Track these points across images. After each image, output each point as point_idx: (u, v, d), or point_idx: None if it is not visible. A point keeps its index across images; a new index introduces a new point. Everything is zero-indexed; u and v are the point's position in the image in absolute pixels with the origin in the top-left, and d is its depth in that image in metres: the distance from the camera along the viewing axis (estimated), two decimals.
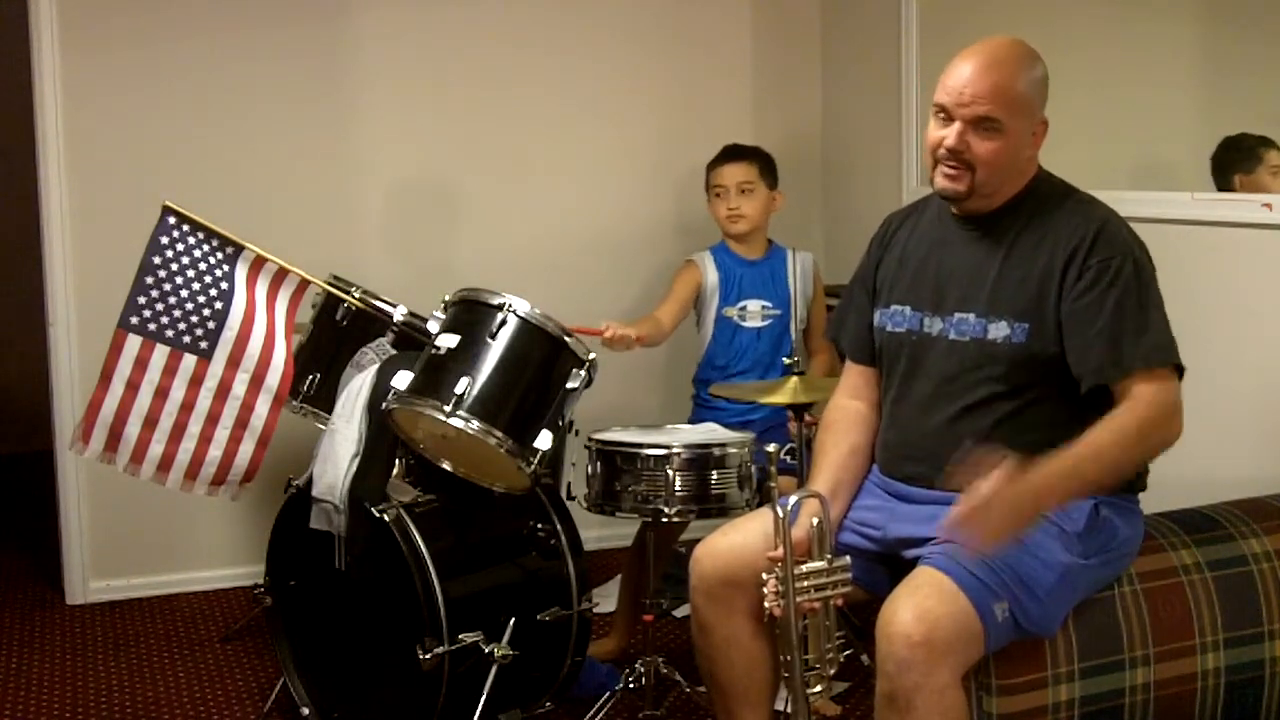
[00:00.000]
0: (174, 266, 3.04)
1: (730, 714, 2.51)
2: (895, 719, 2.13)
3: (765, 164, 3.67)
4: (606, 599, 3.69)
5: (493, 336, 2.81)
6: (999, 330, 2.32)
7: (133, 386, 3.04)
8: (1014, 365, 2.31)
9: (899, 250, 2.52)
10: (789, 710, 2.32)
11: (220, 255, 3.09)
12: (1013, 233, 2.36)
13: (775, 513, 2.26)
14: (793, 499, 2.29)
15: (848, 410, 2.56)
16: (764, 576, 2.26)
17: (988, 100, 2.28)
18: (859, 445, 2.51)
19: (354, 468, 2.91)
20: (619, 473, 2.92)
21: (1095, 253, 2.26)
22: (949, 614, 2.10)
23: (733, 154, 3.69)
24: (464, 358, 2.79)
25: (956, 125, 2.31)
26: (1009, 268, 2.34)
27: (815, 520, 2.29)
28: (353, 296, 3.25)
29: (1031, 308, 2.30)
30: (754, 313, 3.65)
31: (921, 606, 2.10)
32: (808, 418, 3.16)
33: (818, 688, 2.28)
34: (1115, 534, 2.30)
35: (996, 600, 2.14)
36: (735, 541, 2.44)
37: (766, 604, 2.26)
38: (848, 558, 2.31)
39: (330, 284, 3.27)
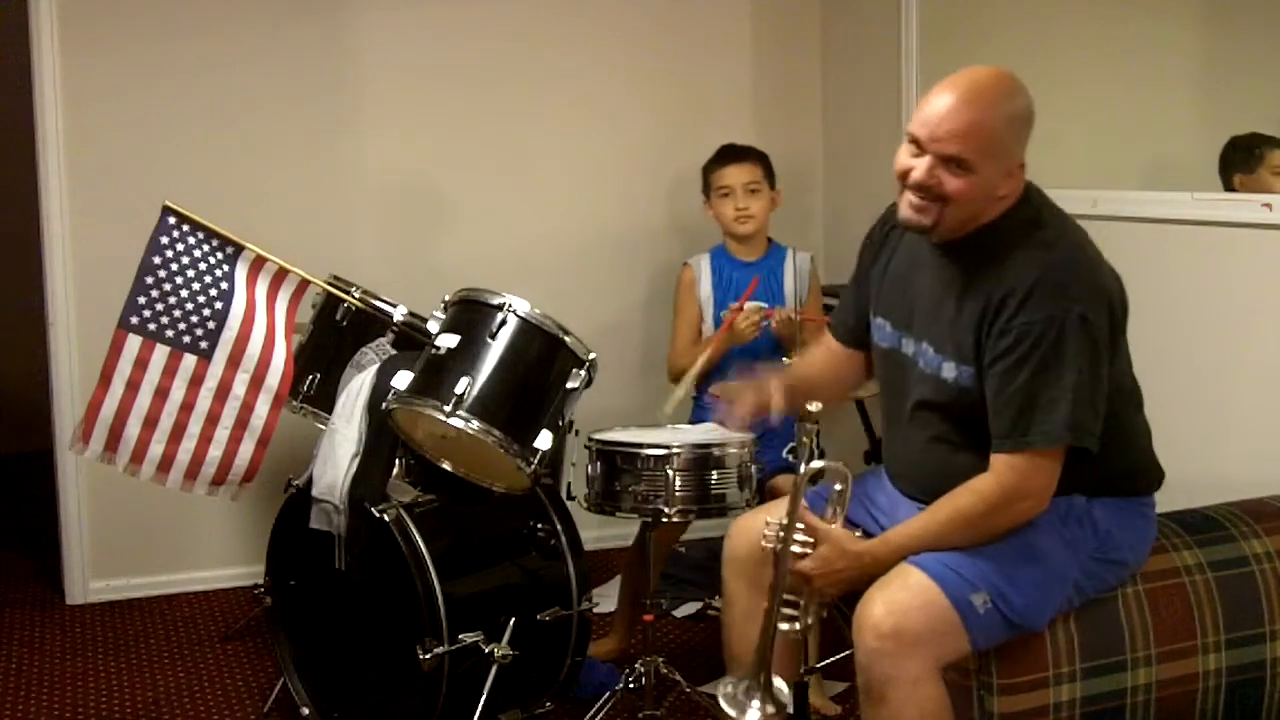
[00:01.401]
0: (174, 266, 3.04)
1: None
2: (872, 711, 2.16)
3: (766, 163, 3.67)
4: (606, 599, 3.69)
5: (493, 336, 2.80)
6: (949, 370, 2.28)
7: (133, 387, 3.04)
8: (964, 406, 2.26)
9: (888, 257, 2.48)
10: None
11: (220, 255, 3.09)
12: (973, 266, 2.26)
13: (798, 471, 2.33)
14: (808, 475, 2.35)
15: (821, 353, 2.67)
16: (768, 522, 2.32)
17: (960, 139, 2.17)
18: (822, 377, 2.60)
19: (354, 468, 2.91)
20: (619, 473, 2.92)
21: (1022, 312, 2.15)
22: (920, 605, 2.13)
23: (735, 154, 3.67)
24: (464, 358, 2.79)
25: (927, 159, 2.20)
26: (961, 305, 2.27)
27: (837, 486, 2.34)
28: (353, 296, 3.25)
29: (973, 353, 2.24)
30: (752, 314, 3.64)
31: (892, 599, 2.15)
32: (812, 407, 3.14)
33: (784, 625, 2.25)
34: (1110, 537, 2.29)
35: (974, 591, 2.16)
36: (765, 521, 2.44)
37: (764, 538, 2.33)
38: (859, 531, 2.35)
39: (330, 284, 3.27)
